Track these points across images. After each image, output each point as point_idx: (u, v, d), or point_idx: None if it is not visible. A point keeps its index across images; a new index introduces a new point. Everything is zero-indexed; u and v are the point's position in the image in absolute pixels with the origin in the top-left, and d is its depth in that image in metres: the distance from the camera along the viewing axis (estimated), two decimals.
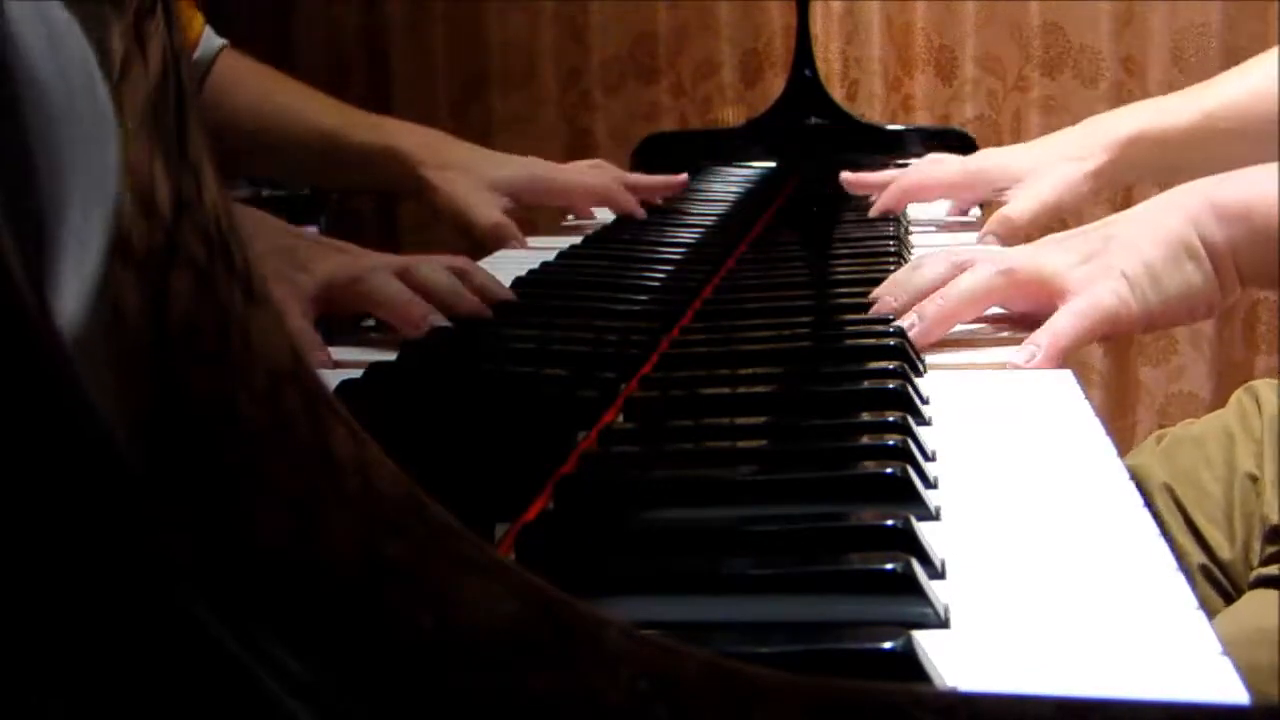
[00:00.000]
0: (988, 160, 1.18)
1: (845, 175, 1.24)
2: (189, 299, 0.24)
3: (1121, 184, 1.15)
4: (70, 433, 0.20)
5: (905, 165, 1.24)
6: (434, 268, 0.82)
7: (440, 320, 0.77)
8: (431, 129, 1.21)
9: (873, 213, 1.16)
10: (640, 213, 1.20)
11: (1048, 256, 0.76)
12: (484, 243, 1.14)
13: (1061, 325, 0.72)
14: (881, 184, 1.18)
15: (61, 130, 0.22)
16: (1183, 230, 0.74)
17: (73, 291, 0.21)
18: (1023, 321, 0.77)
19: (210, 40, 1.17)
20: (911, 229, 1.16)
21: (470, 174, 1.14)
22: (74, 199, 0.22)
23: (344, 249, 0.85)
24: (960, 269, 0.77)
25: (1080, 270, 0.74)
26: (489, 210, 1.14)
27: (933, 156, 1.23)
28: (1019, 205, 1.09)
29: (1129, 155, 1.10)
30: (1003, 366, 0.71)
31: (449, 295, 0.80)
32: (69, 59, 0.22)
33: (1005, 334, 0.78)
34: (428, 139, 1.18)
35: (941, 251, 0.80)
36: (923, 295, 0.76)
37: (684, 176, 1.30)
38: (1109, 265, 0.74)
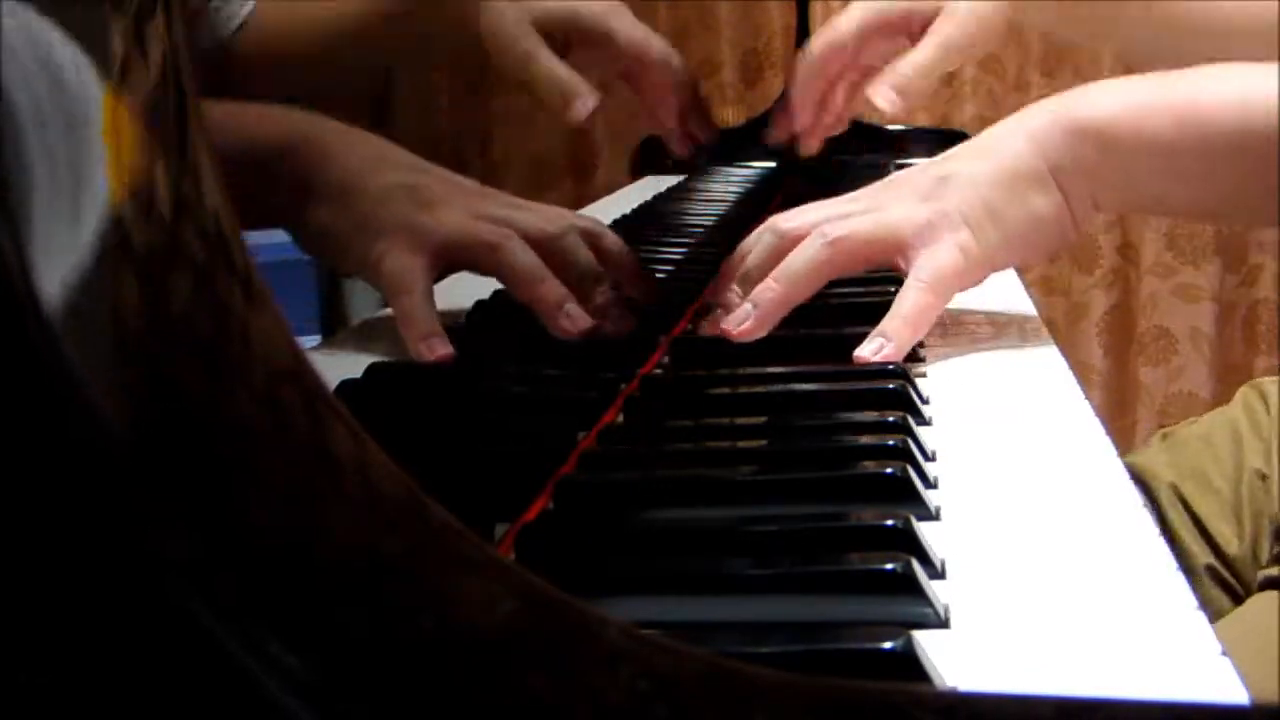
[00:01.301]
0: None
1: (766, 135, 1.09)
2: (189, 299, 0.24)
3: (1042, 27, 1.03)
4: (68, 432, 0.20)
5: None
6: (577, 243, 0.76)
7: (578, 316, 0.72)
8: None
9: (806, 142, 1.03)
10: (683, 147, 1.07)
11: (881, 212, 0.71)
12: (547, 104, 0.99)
13: (905, 306, 0.67)
14: (793, 109, 1.02)
15: (49, 132, 0.22)
16: (1027, 157, 0.69)
17: (67, 291, 0.21)
18: None
19: (230, 3, 1.10)
20: None
21: (512, 8, 0.99)
22: (66, 199, 0.22)
23: (477, 193, 0.79)
24: (788, 240, 0.71)
25: (917, 218, 0.69)
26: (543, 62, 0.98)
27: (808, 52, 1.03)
28: (915, 56, 0.93)
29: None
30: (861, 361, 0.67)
31: (585, 280, 0.74)
32: (57, 61, 0.22)
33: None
34: None
35: (766, 224, 0.74)
36: (750, 278, 0.71)
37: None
38: (946, 212, 0.69)
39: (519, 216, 0.78)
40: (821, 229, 0.70)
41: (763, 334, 0.69)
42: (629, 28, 1.03)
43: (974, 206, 0.69)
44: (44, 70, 0.22)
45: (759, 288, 0.70)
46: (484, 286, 0.86)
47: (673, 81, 1.04)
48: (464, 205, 0.78)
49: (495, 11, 0.99)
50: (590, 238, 0.78)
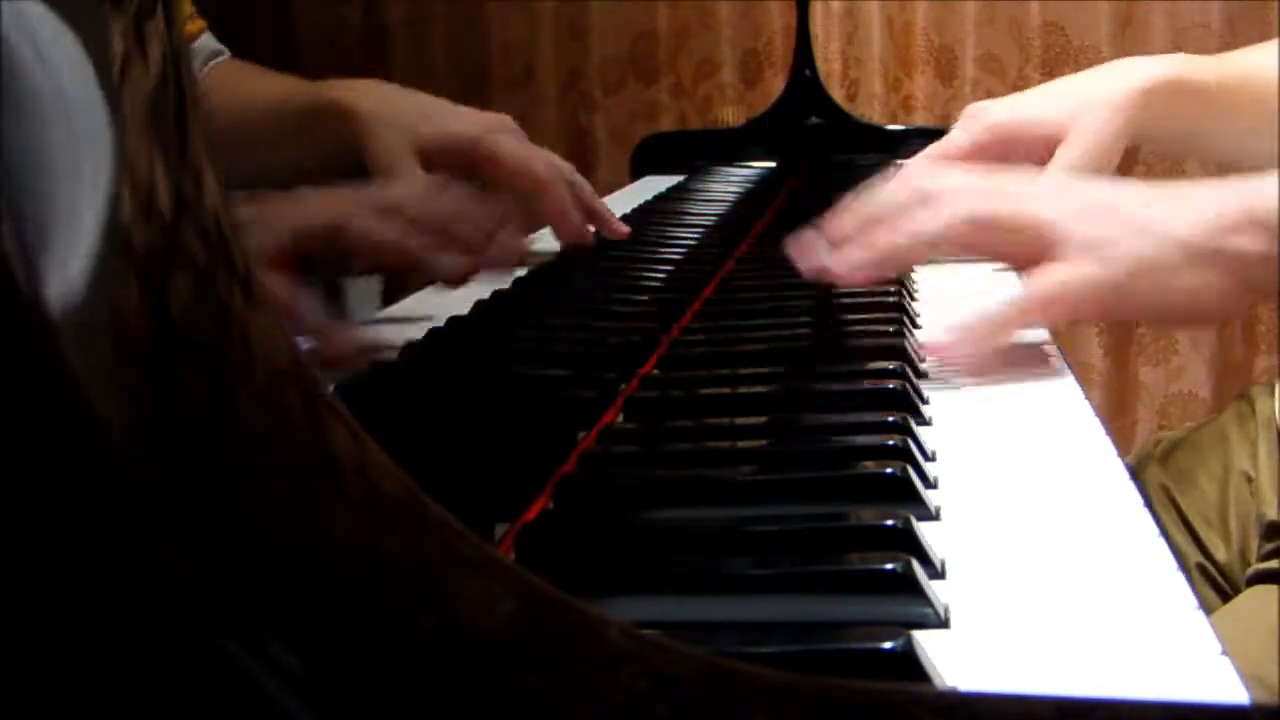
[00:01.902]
0: (994, 117, 0.95)
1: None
2: (189, 299, 0.24)
3: (1142, 141, 1.03)
4: (69, 433, 0.20)
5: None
6: (426, 199, 0.75)
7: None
8: (382, 82, 1.08)
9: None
10: (573, 228, 1.03)
11: (1039, 197, 0.65)
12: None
13: (1001, 310, 0.62)
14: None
15: (50, 133, 0.22)
16: (1209, 239, 0.64)
17: (68, 291, 0.21)
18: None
19: (206, 49, 1.14)
20: None
21: (396, 128, 1.00)
22: (66, 200, 0.22)
23: (314, 193, 0.79)
24: (925, 199, 0.66)
25: (1076, 229, 0.63)
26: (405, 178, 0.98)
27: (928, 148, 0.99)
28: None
29: (1157, 104, 0.94)
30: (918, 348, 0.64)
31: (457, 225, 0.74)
32: (56, 62, 0.22)
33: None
34: (374, 90, 1.05)
35: (905, 174, 0.69)
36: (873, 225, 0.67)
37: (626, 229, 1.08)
38: (1110, 237, 0.63)
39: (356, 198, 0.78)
40: (966, 200, 0.65)
41: (861, 283, 0.65)
42: (512, 151, 1.02)
43: (1142, 257, 0.63)
44: (46, 69, 0.22)
45: (881, 236, 0.65)
46: (483, 287, 0.86)
47: (567, 197, 1.03)
48: (311, 199, 0.78)
49: (379, 137, 1.00)
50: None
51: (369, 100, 1.02)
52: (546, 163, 1.02)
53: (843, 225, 0.69)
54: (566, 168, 1.04)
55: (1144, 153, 2.36)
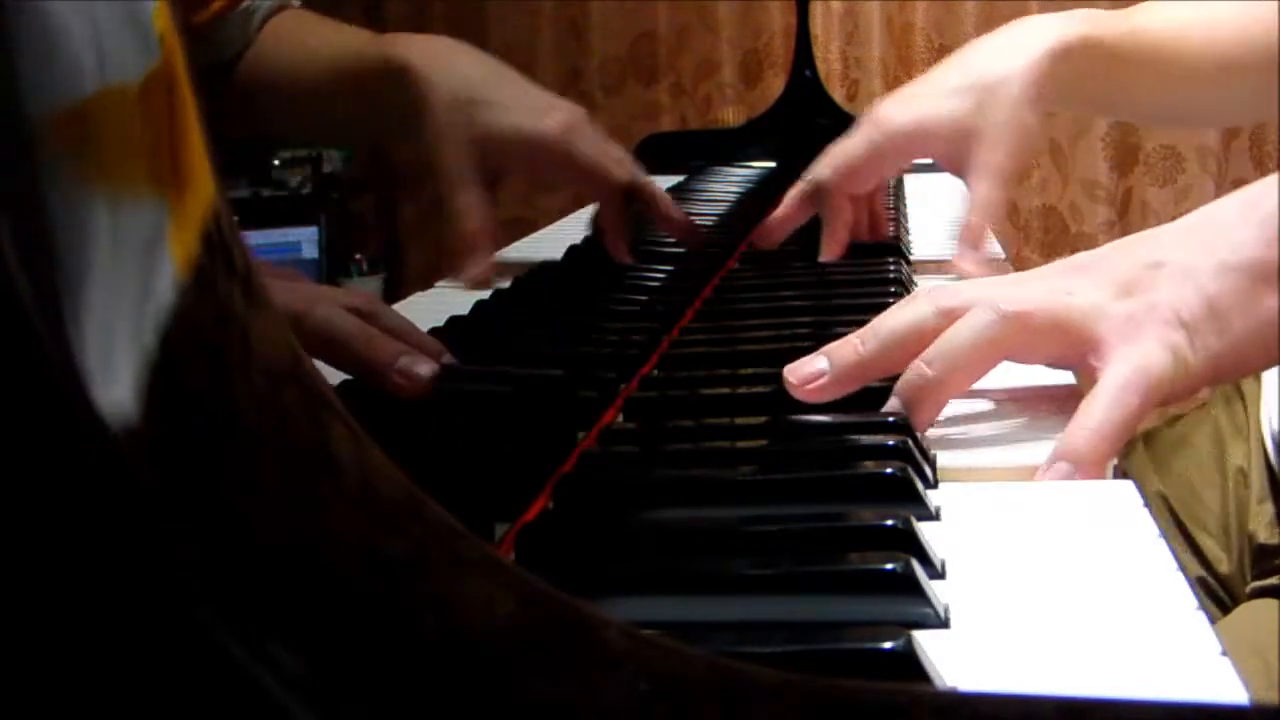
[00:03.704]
0: (894, 123, 0.91)
1: (758, 236, 0.99)
2: (189, 299, 0.24)
3: (1056, 106, 0.94)
4: (68, 433, 0.20)
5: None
6: (337, 314, 0.63)
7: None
8: (455, 42, 1.00)
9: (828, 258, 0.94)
10: (622, 254, 0.97)
11: (1072, 292, 0.56)
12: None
13: (1098, 414, 0.52)
14: (795, 215, 0.95)
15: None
16: (1256, 249, 0.54)
17: (68, 292, 0.21)
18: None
19: (262, 6, 1.07)
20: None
21: (459, 115, 0.94)
22: (66, 200, 0.22)
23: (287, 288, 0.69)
24: (950, 316, 0.57)
25: (1118, 311, 0.54)
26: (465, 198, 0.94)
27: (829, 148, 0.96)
28: (974, 199, 0.86)
29: (1066, 67, 0.89)
30: (1029, 476, 0.53)
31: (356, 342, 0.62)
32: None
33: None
34: (442, 54, 0.97)
35: (923, 291, 0.60)
36: (889, 358, 0.57)
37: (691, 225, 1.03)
38: (1155, 305, 0.54)
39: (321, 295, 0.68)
40: (994, 300, 0.56)
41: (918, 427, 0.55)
42: (583, 160, 0.96)
43: (1192, 303, 0.54)
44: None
45: (908, 371, 0.56)
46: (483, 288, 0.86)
47: (634, 203, 0.98)
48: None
49: (438, 119, 0.94)
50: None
51: (436, 67, 0.95)
52: (614, 173, 0.97)
53: (864, 357, 0.58)
54: (635, 172, 0.99)
55: (1145, 152, 2.36)
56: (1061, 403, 0.60)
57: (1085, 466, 0.52)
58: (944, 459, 0.54)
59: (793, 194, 0.96)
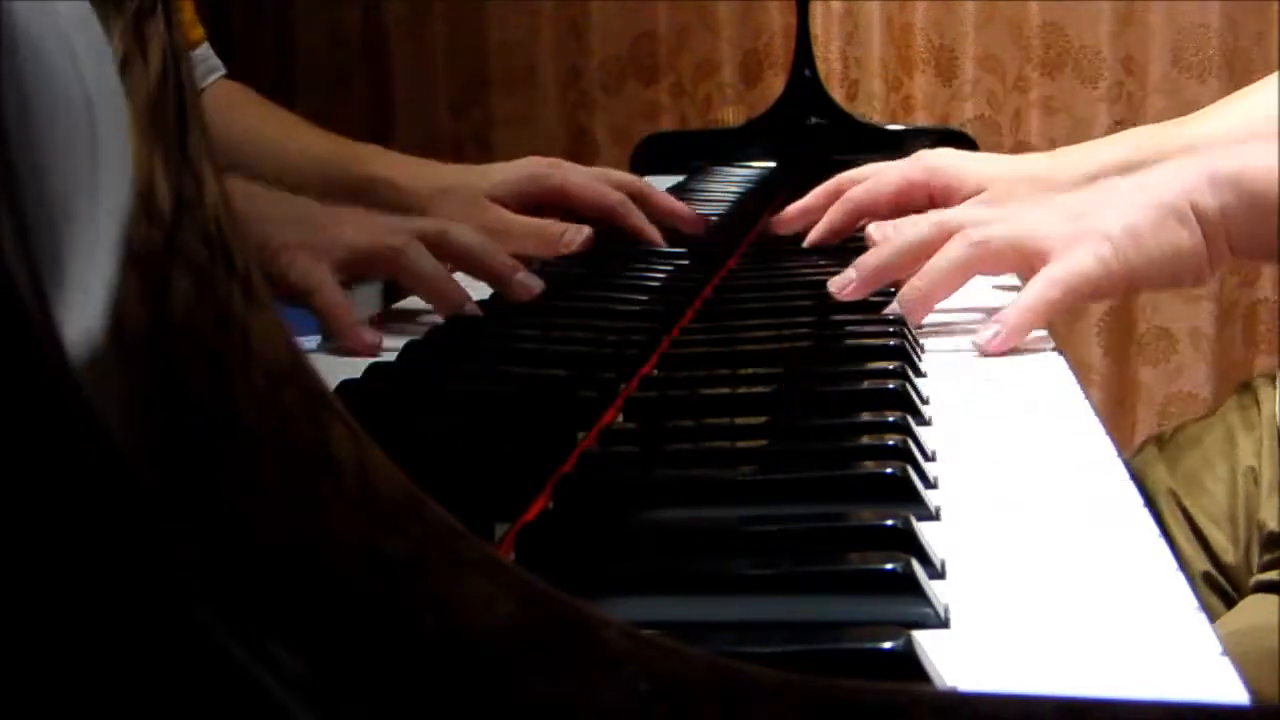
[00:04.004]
0: (938, 162, 1.03)
1: (774, 220, 1.08)
2: (189, 299, 0.24)
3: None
4: (68, 432, 0.20)
5: None
6: (465, 230, 0.83)
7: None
8: (422, 159, 1.12)
9: (815, 238, 1.01)
10: (656, 237, 1.04)
11: (1028, 219, 0.76)
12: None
13: (1032, 298, 0.72)
14: (813, 209, 1.04)
15: (72, 133, 0.22)
16: (1173, 194, 0.73)
17: (83, 294, 0.21)
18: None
19: (208, 62, 1.13)
20: None
21: (461, 194, 1.05)
22: (85, 203, 0.22)
23: (366, 213, 0.85)
24: (945, 229, 0.76)
25: (1062, 230, 0.73)
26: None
27: (869, 166, 1.06)
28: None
29: None
30: (967, 348, 0.72)
31: (484, 257, 0.83)
32: (81, 58, 0.22)
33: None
34: (420, 167, 1.10)
35: (924, 217, 0.80)
36: (901, 264, 0.77)
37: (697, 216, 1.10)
38: (1092, 227, 0.73)
39: (411, 224, 0.84)
40: (966, 231, 0.75)
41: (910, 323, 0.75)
42: (580, 182, 1.05)
43: (1119, 227, 0.72)
44: (77, 69, 0.22)
45: (909, 284, 0.76)
46: (483, 287, 0.86)
47: (638, 212, 1.04)
48: (356, 220, 0.83)
49: (443, 207, 1.01)
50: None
51: (421, 178, 1.06)
52: (612, 185, 1.05)
53: (881, 263, 0.79)
54: (630, 180, 1.07)
55: None
56: None
57: (1009, 331, 0.72)
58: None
59: (820, 190, 1.04)
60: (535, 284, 0.83)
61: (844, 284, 0.79)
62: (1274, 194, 0.72)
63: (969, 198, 0.97)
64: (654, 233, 1.03)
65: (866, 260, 0.79)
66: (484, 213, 1.01)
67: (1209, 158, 0.75)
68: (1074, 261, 0.72)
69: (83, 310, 0.21)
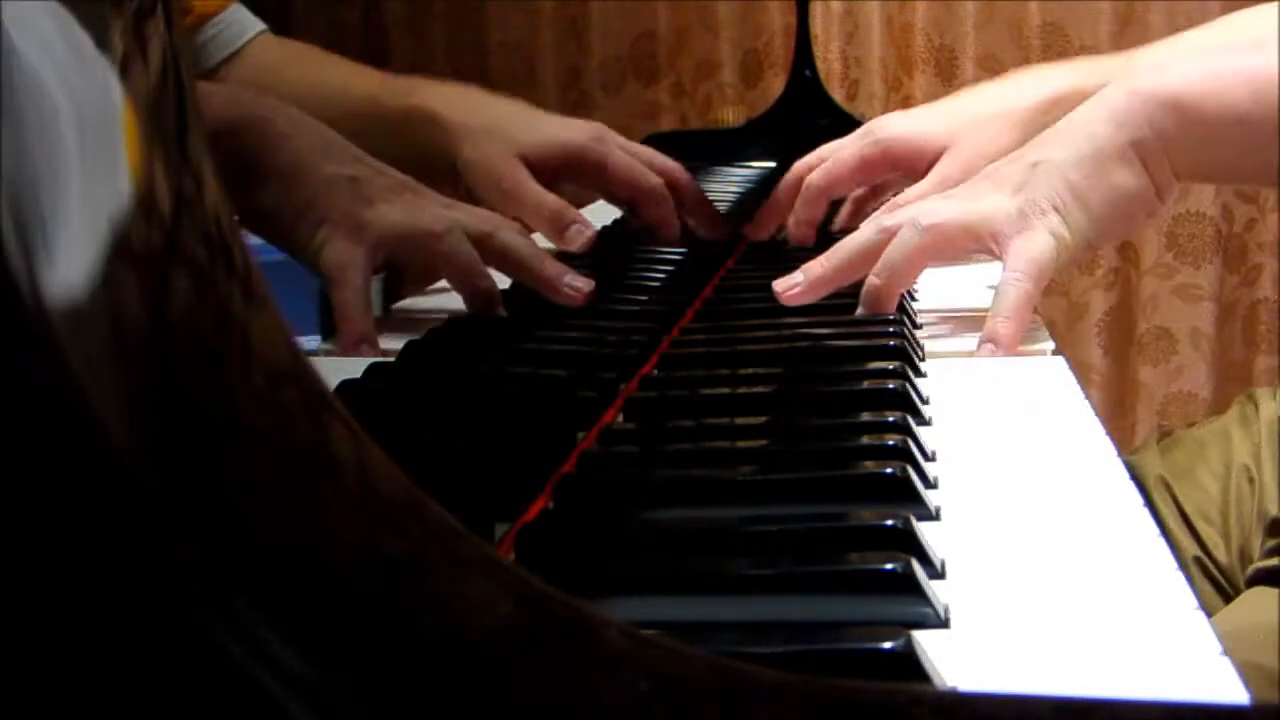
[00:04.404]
0: (889, 133, 1.00)
1: (747, 228, 1.06)
2: (189, 299, 0.24)
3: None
4: (68, 432, 0.20)
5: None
6: (515, 233, 0.82)
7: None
8: (471, 91, 1.07)
9: (793, 235, 1.00)
10: (673, 235, 1.03)
11: (975, 201, 0.75)
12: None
13: (1008, 304, 0.71)
14: (779, 207, 1.03)
15: (65, 131, 0.22)
16: (1108, 135, 0.72)
17: (74, 291, 0.21)
18: None
19: (243, 21, 1.11)
20: None
21: (493, 143, 1.01)
22: (79, 201, 0.22)
23: (416, 190, 0.83)
24: (889, 233, 0.75)
25: (1010, 208, 0.73)
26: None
27: (823, 149, 1.03)
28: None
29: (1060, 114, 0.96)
30: (969, 355, 0.72)
31: (529, 262, 0.81)
32: (72, 57, 0.22)
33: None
34: (464, 100, 1.05)
35: (868, 221, 0.80)
36: (850, 267, 0.77)
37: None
38: (1035, 200, 0.72)
39: (456, 215, 0.82)
40: (915, 219, 0.75)
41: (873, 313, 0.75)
42: (622, 162, 1.02)
43: (1061, 191, 0.72)
44: (54, 67, 0.22)
45: (866, 284, 0.76)
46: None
47: (671, 202, 1.03)
48: (404, 200, 0.81)
49: (477, 145, 1.00)
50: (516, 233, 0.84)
51: (463, 111, 1.02)
52: (655, 169, 1.03)
53: (827, 270, 0.78)
54: (672, 168, 1.05)
55: None
56: None
57: (1004, 345, 0.71)
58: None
59: (780, 186, 1.03)
60: (585, 285, 0.81)
61: (789, 286, 0.78)
62: (1213, 113, 0.72)
63: (934, 162, 0.96)
64: (674, 230, 1.02)
65: (813, 266, 0.78)
66: (504, 173, 0.99)
67: (1146, 80, 0.73)
68: (1031, 248, 0.72)
69: (82, 310, 0.21)
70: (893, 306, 0.76)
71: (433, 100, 1.03)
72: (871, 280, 0.75)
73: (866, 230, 0.78)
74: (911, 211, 0.77)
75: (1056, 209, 0.72)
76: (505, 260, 0.82)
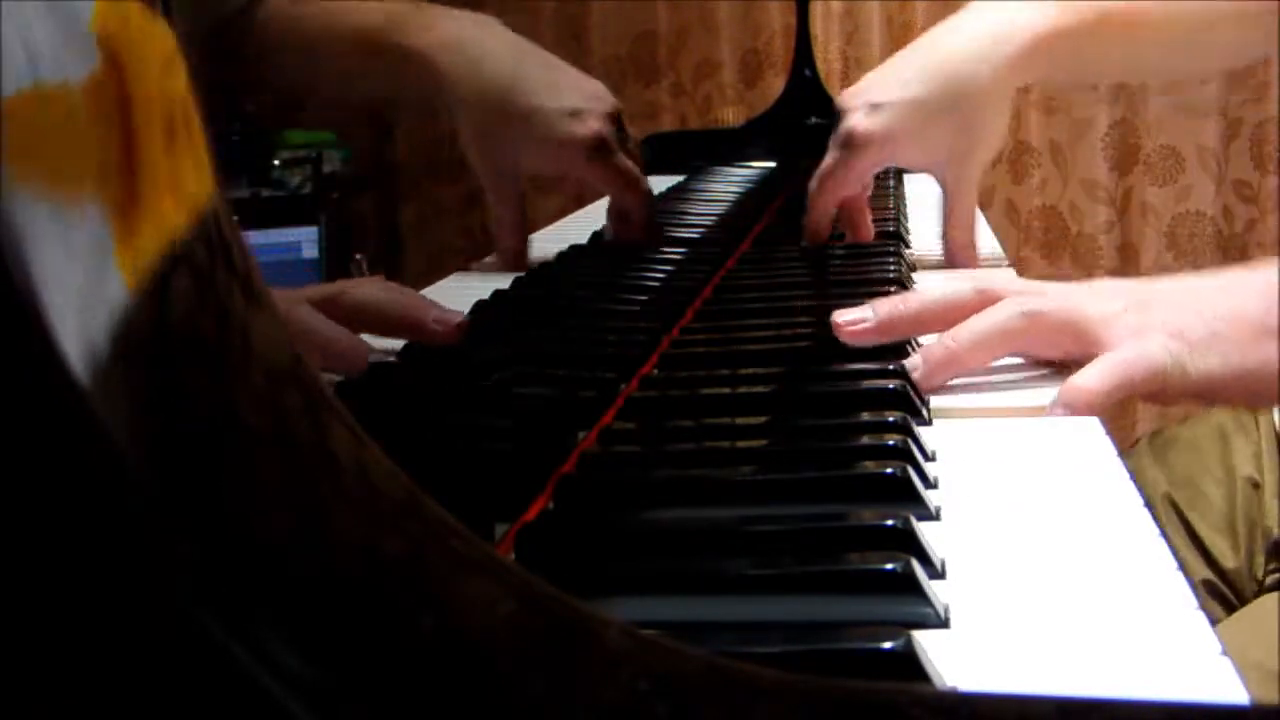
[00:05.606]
0: (882, 128, 0.96)
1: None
2: (189, 299, 0.24)
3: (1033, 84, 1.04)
4: (68, 433, 0.20)
5: None
6: (369, 288, 0.75)
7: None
8: (489, 36, 1.07)
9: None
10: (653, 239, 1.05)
11: (1086, 299, 0.65)
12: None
13: (1095, 376, 0.61)
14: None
15: None
16: (1257, 310, 0.62)
17: (67, 294, 0.21)
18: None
19: None
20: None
21: (494, 141, 1.02)
22: (79, 204, 0.22)
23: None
24: (985, 299, 0.66)
25: (1128, 321, 0.63)
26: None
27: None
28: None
29: (1042, 58, 0.95)
30: (1021, 412, 0.63)
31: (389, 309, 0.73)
32: (46, 59, 0.22)
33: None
34: (462, 55, 1.02)
35: (962, 275, 0.72)
36: (927, 319, 0.67)
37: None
38: (1165, 322, 0.62)
39: None
40: (1018, 299, 0.66)
41: (926, 390, 0.64)
42: (608, 179, 1.04)
43: (1196, 328, 0.62)
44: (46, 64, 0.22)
45: (938, 340, 0.65)
46: (485, 286, 0.86)
47: (646, 215, 1.06)
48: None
49: (472, 134, 1.03)
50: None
51: (460, 61, 1.01)
52: (638, 187, 1.05)
53: (904, 315, 0.68)
54: (645, 184, 1.07)
55: (1145, 152, 2.36)
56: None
57: (1081, 409, 0.60)
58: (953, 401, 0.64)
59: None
60: (454, 318, 0.73)
61: (855, 322, 0.67)
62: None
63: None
64: (638, 236, 1.04)
65: (886, 307, 0.68)
66: (486, 171, 1.02)
67: None
68: (1142, 349, 0.61)
69: (81, 310, 0.21)
70: (947, 380, 0.65)
71: (429, 43, 1.02)
72: (945, 341, 0.65)
73: (964, 286, 0.68)
74: (1018, 289, 0.68)
75: (1186, 339, 0.61)
76: (364, 315, 0.74)
